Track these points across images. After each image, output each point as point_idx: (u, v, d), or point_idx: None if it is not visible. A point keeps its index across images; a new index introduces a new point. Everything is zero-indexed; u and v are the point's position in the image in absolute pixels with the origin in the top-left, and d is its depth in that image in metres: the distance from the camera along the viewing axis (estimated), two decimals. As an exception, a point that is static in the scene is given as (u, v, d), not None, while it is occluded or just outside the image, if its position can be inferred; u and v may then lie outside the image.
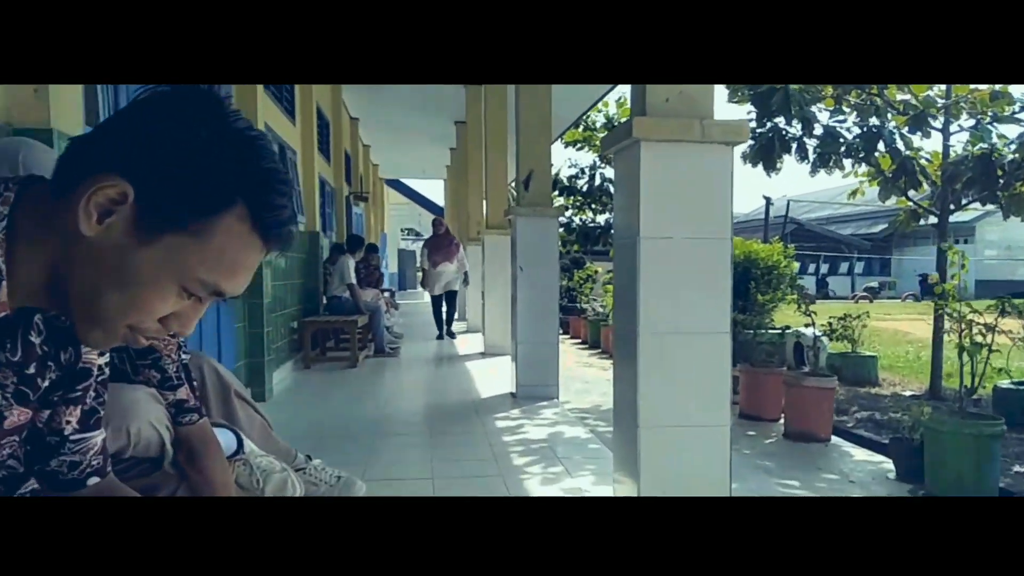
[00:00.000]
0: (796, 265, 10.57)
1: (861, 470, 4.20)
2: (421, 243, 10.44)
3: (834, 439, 4.88)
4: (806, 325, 5.47)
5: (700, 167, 2.51)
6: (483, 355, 8.34)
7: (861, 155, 6.04)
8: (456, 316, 10.46)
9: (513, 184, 16.46)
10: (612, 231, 15.16)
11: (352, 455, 3.89)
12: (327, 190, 10.59)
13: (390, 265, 25.01)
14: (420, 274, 10.41)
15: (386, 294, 11.58)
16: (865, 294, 26.15)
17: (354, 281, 7.78)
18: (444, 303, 9.97)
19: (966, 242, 28.25)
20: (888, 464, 4.21)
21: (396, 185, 26.28)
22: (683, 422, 2.57)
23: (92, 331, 0.86)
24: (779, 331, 6.29)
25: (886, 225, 32.65)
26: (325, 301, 8.13)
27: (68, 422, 1.10)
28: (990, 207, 6.86)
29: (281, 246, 0.84)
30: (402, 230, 32.02)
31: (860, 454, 4.56)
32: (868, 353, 7.23)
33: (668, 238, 2.56)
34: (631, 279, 2.60)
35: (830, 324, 5.36)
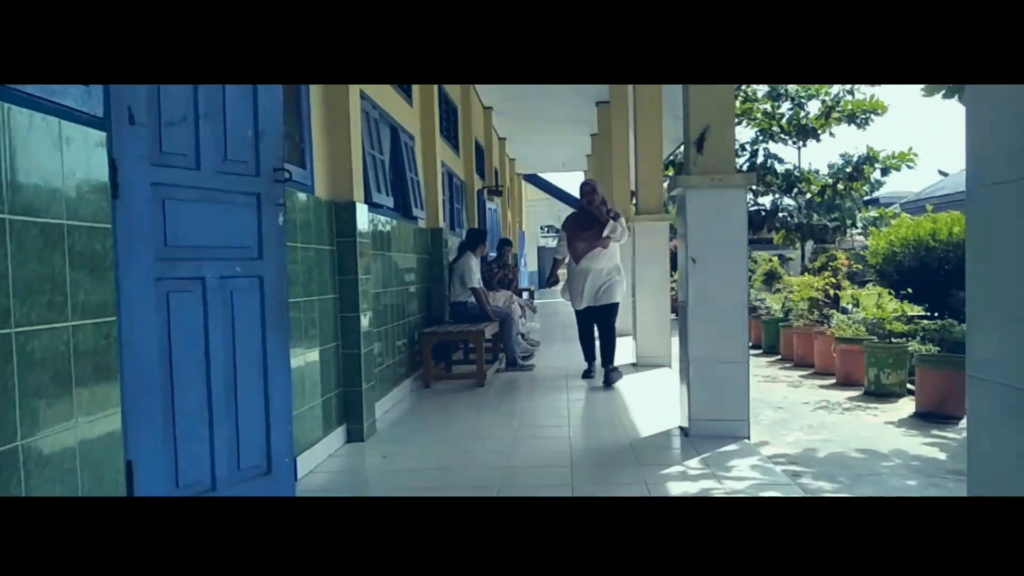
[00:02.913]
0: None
1: None
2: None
3: None
4: None
5: None
6: (635, 367, 6.90)
7: None
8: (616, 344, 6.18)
9: (675, 158, 14.78)
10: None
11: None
12: (455, 183, 9.52)
13: (528, 264, 23.95)
14: (553, 262, 6.46)
15: (523, 296, 10.39)
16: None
17: (477, 284, 6.55)
18: (596, 323, 6.08)
19: None
20: None
21: (534, 180, 25.14)
22: None
23: None
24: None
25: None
26: (449, 308, 6.98)
27: None
28: None
29: None
30: (541, 228, 30.93)
31: None
32: None
33: None
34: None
35: None
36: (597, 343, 6.15)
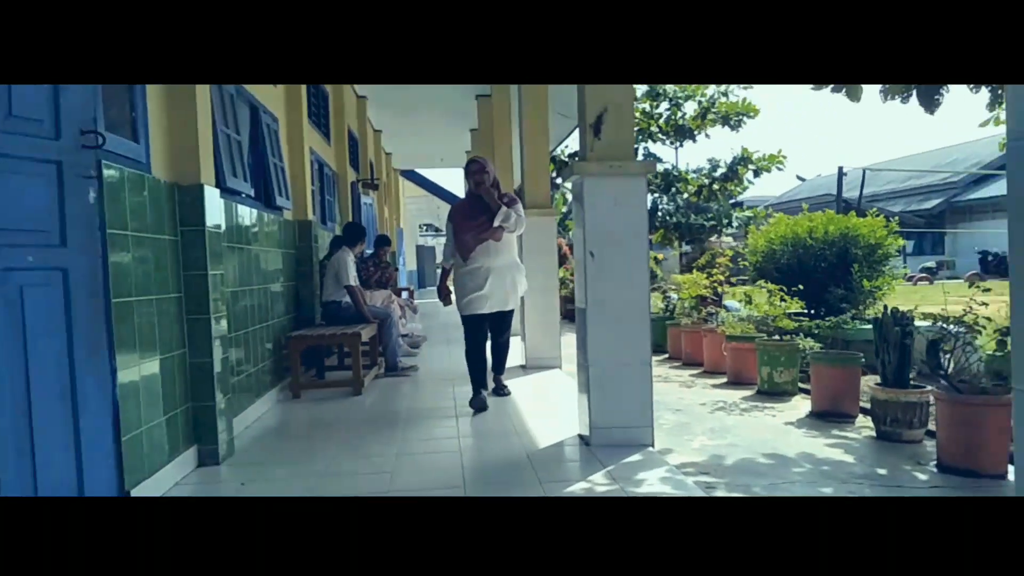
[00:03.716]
0: (903, 241, 8.65)
1: None
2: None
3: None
4: (964, 314, 4.04)
5: None
6: (524, 369, 6.54)
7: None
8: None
9: (556, 156, 14.52)
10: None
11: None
12: (326, 173, 8.82)
13: (407, 263, 23.29)
14: (440, 273, 5.30)
15: (403, 295, 9.82)
16: (924, 275, 23.90)
17: (353, 282, 5.97)
18: (489, 331, 5.04)
19: None
20: None
21: (412, 176, 24.46)
22: None
23: None
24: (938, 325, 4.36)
25: (940, 200, 30.25)
26: (321, 309, 6.35)
27: None
28: None
29: None
30: (420, 226, 30.26)
31: None
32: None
33: None
34: None
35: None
36: (488, 358, 5.04)
